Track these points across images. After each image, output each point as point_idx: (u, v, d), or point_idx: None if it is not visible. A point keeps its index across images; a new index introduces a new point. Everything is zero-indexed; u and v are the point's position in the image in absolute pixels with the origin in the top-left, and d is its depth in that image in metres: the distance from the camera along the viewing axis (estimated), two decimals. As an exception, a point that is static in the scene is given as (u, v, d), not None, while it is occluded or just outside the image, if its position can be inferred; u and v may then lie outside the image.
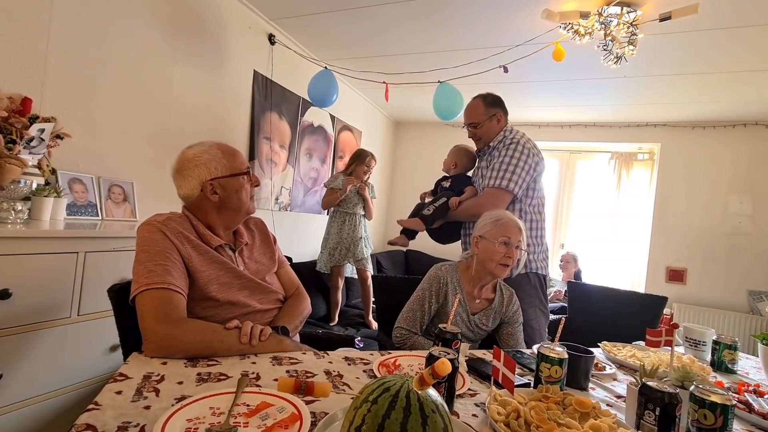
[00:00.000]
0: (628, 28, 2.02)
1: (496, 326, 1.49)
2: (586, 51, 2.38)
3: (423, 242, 4.73)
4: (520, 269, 1.68)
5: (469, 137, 1.87)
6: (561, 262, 4.04)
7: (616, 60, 2.12)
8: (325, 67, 2.65)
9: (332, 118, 3.57)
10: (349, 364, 0.97)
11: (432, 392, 0.59)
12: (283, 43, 2.75)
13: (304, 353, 1.00)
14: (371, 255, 3.04)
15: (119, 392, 0.71)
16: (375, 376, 0.91)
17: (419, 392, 0.56)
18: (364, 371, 0.94)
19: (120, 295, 1.02)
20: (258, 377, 0.83)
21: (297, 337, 1.26)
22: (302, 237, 3.36)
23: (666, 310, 3.85)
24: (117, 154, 1.84)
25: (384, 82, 2.75)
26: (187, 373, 0.81)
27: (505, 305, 1.47)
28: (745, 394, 0.99)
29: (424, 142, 5.05)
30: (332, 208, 2.95)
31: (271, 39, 2.66)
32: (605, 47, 2.10)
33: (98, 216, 1.66)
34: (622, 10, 1.98)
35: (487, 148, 1.81)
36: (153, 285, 0.90)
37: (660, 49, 2.49)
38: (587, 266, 4.13)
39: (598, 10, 1.99)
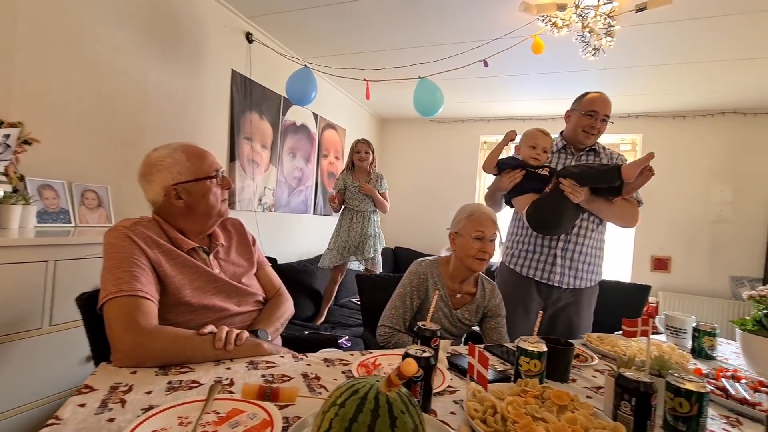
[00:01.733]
0: (605, 19, 2.02)
1: (480, 320, 1.48)
2: (566, 43, 2.39)
3: (411, 239, 4.76)
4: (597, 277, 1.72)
5: (593, 129, 1.65)
6: None
7: (593, 52, 2.13)
8: (305, 65, 2.62)
9: (315, 116, 3.54)
10: (327, 366, 0.95)
11: (404, 392, 0.57)
12: (261, 41, 2.70)
13: (282, 356, 0.98)
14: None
15: (83, 405, 0.68)
16: (353, 377, 0.89)
17: (389, 393, 0.55)
18: (343, 372, 0.92)
19: (89, 303, 0.98)
20: (232, 383, 0.81)
21: (279, 340, 1.24)
22: (288, 237, 3.33)
23: (652, 299, 3.91)
24: (90, 158, 1.79)
25: (365, 80, 2.73)
26: (158, 381, 0.79)
27: (487, 299, 1.46)
28: (723, 379, 1.00)
29: (410, 139, 5.04)
30: (342, 206, 2.97)
31: (249, 37, 2.61)
32: (583, 39, 2.10)
33: (71, 222, 1.61)
34: (598, 1, 1.99)
35: (588, 149, 1.73)
36: (121, 293, 0.87)
37: (638, 40, 2.51)
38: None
39: (575, 2, 1.99)
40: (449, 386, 0.90)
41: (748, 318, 1.23)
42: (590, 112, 1.66)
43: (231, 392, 0.76)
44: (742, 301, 3.65)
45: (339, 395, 0.56)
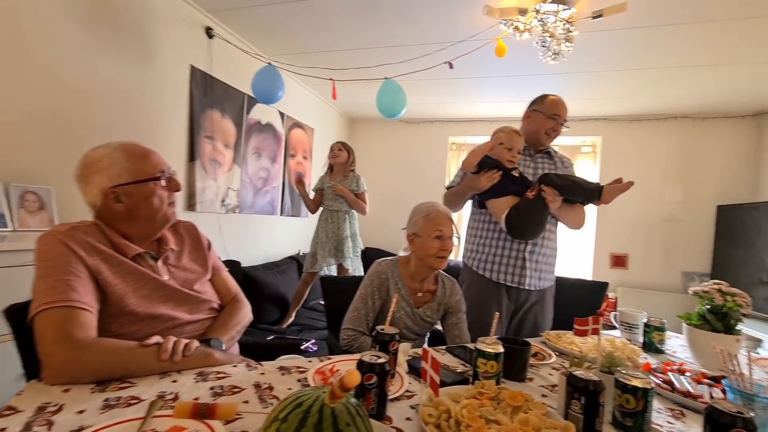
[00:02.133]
0: (564, 24, 2.08)
1: (442, 317, 1.49)
2: (528, 47, 2.44)
3: (380, 239, 4.74)
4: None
5: (555, 132, 1.73)
6: None
7: (554, 56, 2.19)
8: (270, 63, 2.55)
9: (282, 115, 3.46)
10: (283, 374, 0.92)
11: (352, 402, 0.55)
12: (223, 37, 2.61)
13: (235, 366, 0.94)
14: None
15: (2, 429, 0.62)
16: (309, 386, 0.87)
17: (334, 406, 0.53)
18: (299, 381, 0.89)
19: (19, 315, 0.90)
20: (176, 398, 0.76)
21: (235, 348, 1.19)
22: (254, 239, 3.24)
23: (611, 294, 4.08)
24: (31, 157, 1.67)
25: (331, 79, 2.69)
26: (93, 399, 0.73)
27: (447, 295, 1.47)
28: (670, 373, 1.04)
29: (379, 139, 5.03)
30: (321, 207, 2.98)
31: (209, 32, 2.51)
32: (543, 44, 2.16)
33: (8, 227, 1.49)
34: (558, 7, 2.04)
35: (545, 151, 1.79)
36: (53, 303, 0.81)
37: (596, 46, 2.60)
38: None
39: (535, 7, 2.04)
40: (407, 390, 0.89)
41: (694, 312, 1.29)
42: (554, 116, 1.71)
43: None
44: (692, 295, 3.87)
45: (282, 409, 0.54)
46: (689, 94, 3.41)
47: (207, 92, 2.54)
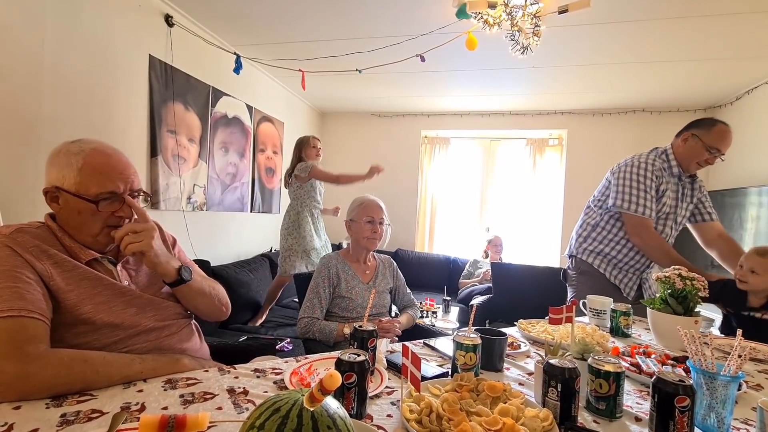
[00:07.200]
0: (532, 19, 2.11)
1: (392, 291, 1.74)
2: (498, 41, 2.47)
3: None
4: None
5: (708, 165, 1.70)
6: (496, 245, 4.23)
7: (522, 50, 2.22)
8: (236, 54, 2.45)
9: (249, 108, 3.34)
10: (258, 377, 0.89)
11: (332, 404, 0.54)
12: (184, 25, 2.48)
13: (206, 370, 0.90)
14: None
15: (-59, 456, 0.56)
16: (286, 388, 0.84)
17: (313, 409, 0.50)
18: (275, 383, 0.86)
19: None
20: (143, 408, 0.72)
21: (206, 351, 1.14)
22: (223, 238, 3.13)
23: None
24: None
25: (300, 70, 2.62)
26: (48, 415, 0.67)
27: (386, 265, 1.74)
28: (637, 356, 1.08)
29: (351, 133, 4.97)
30: (299, 207, 2.83)
31: (169, 20, 2.38)
32: (512, 38, 2.18)
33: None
34: (525, 1, 2.07)
35: (691, 175, 1.80)
36: (1, 313, 0.74)
37: (561, 40, 2.66)
38: (510, 247, 4.40)
39: (504, 1, 2.06)
40: (387, 386, 0.88)
41: (656, 297, 1.35)
42: (714, 149, 1.63)
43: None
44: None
45: (258, 416, 0.51)
46: (646, 88, 3.57)
47: (168, 84, 2.41)
